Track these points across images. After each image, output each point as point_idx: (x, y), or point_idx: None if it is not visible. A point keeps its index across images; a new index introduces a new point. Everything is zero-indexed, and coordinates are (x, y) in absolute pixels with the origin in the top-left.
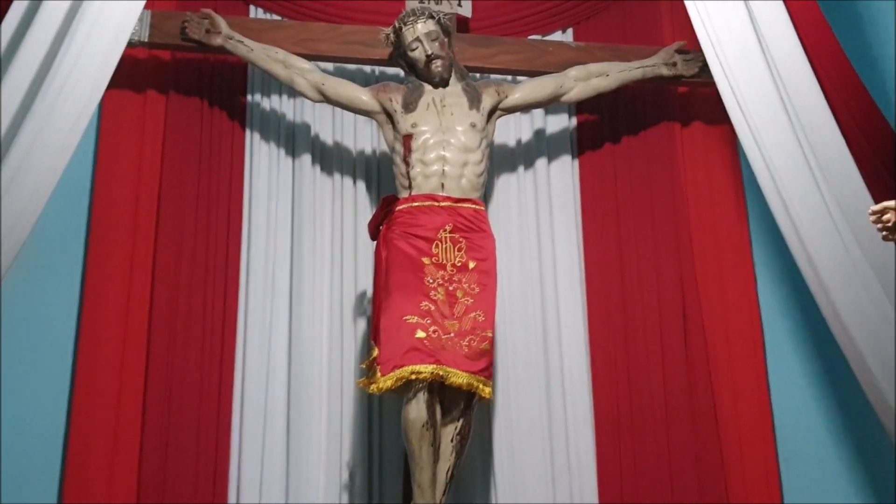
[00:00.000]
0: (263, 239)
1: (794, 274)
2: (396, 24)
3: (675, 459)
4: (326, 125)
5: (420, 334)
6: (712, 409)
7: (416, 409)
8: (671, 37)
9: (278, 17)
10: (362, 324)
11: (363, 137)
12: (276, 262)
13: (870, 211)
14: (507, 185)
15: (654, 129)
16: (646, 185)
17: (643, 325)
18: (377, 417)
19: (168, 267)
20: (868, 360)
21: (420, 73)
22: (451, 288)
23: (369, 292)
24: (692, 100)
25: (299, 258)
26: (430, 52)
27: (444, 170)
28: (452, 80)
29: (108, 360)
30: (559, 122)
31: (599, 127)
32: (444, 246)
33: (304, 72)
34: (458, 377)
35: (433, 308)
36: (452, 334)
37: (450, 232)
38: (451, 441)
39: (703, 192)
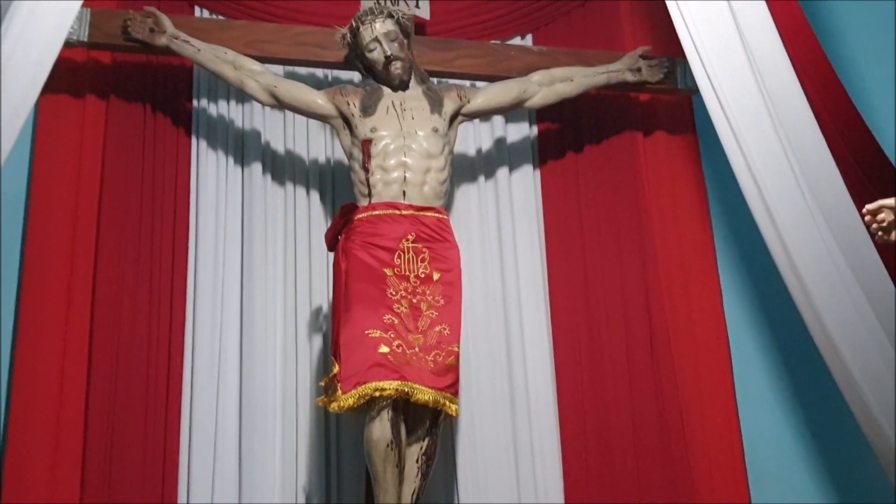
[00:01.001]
0: (212, 252)
1: (760, 284)
2: (353, 23)
3: (644, 480)
4: (278, 132)
5: (383, 349)
6: (680, 426)
7: (380, 429)
8: (632, 43)
9: (224, 18)
10: (318, 341)
11: (317, 145)
12: (225, 276)
13: (865, 210)
14: (467, 196)
15: (617, 137)
16: (609, 196)
17: (609, 340)
18: (335, 439)
19: (110, 282)
20: (852, 370)
21: (378, 76)
22: (414, 300)
23: (325, 308)
24: (655, 109)
25: (250, 272)
26: (389, 53)
27: (405, 176)
28: (412, 83)
29: (45, 385)
30: (520, 131)
31: (561, 136)
32: (406, 256)
33: (254, 74)
34: (424, 394)
35: (396, 321)
36: (417, 349)
37: (412, 242)
38: (417, 462)
39: (666, 203)
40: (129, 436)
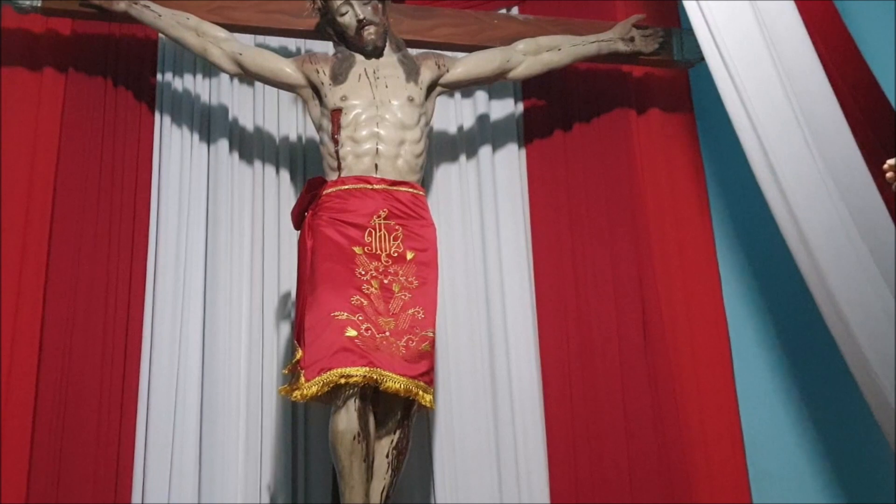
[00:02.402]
0: (174, 233)
1: (760, 270)
2: None
3: (638, 479)
4: (246, 107)
5: (350, 332)
6: (677, 420)
7: (346, 419)
8: (624, 15)
9: None
10: (286, 328)
11: (288, 121)
12: (188, 260)
13: (886, 165)
14: (448, 176)
15: (608, 115)
16: (600, 177)
17: (599, 328)
18: (302, 433)
19: (64, 264)
20: (864, 349)
21: (350, 43)
22: (386, 281)
23: (294, 294)
24: (649, 84)
25: (214, 255)
26: (361, 17)
27: (377, 149)
28: (387, 50)
29: None
30: (504, 108)
31: (548, 113)
32: (377, 234)
33: (219, 41)
34: (395, 382)
35: (366, 303)
36: (388, 333)
37: (384, 219)
38: (387, 456)
39: (662, 185)
40: (80, 429)
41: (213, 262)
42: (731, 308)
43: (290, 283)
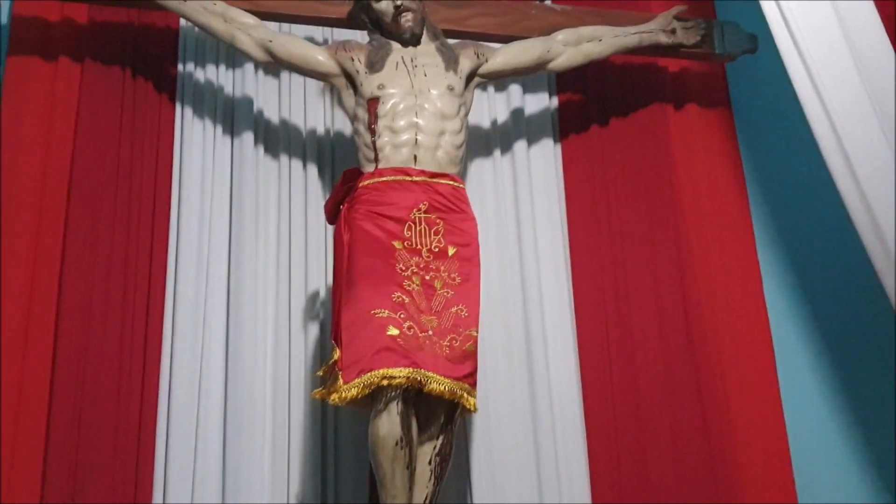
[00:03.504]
0: (196, 230)
1: (800, 266)
2: None
3: (682, 484)
4: (272, 99)
5: (393, 331)
6: (724, 420)
7: (388, 424)
8: (660, 6)
9: None
10: (314, 329)
11: (315, 114)
12: (210, 258)
13: None
14: (482, 171)
15: (645, 110)
16: (637, 173)
17: (640, 326)
18: (332, 438)
19: (80, 262)
20: None
21: (386, 30)
22: (427, 277)
23: (322, 293)
24: (686, 80)
25: (239, 253)
26: (399, 3)
27: (416, 139)
28: (424, 38)
29: (4, 371)
30: (539, 102)
31: (584, 108)
32: (417, 228)
33: (247, 27)
34: (439, 384)
35: (407, 300)
36: (430, 332)
37: (424, 212)
38: (430, 463)
39: (700, 181)
40: (98, 433)
41: (237, 261)
42: (773, 306)
43: (319, 282)
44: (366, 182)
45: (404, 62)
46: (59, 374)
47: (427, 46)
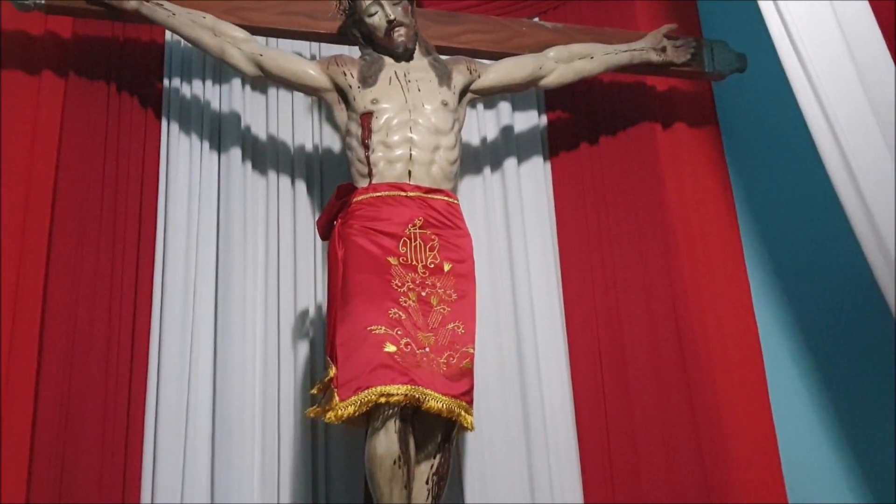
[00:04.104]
0: (183, 247)
1: (789, 281)
2: None
3: (676, 496)
4: (260, 114)
5: (390, 348)
6: (716, 437)
7: (386, 442)
8: (647, 27)
9: None
10: (303, 348)
11: (303, 129)
12: (198, 275)
13: None
14: (472, 188)
15: (633, 129)
16: (627, 191)
17: (631, 342)
18: (323, 458)
19: (63, 282)
20: None
21: (379, 45)
22: (423, 294)
23: (312, 311)
24: (674, 98)
25: (226, 271)
26: (392, 17)
27: (411, 154)
28: (417, 53)
29: None
30: (528, 119)
31: (572, 125)
32: (413, 244)
33: (237, 41)
34: (438, 401)
35: (404, 317)
36: (428, 349)
37: (420, 228)
38: (427, 483)
39: (689, 198)
40: (84, 457)
41: (225, 279)
42: (762, 320)
43: (308, 300)
44: (360, 197)
45: (398, 77)
46: (41, 402)
47: (420, 61)
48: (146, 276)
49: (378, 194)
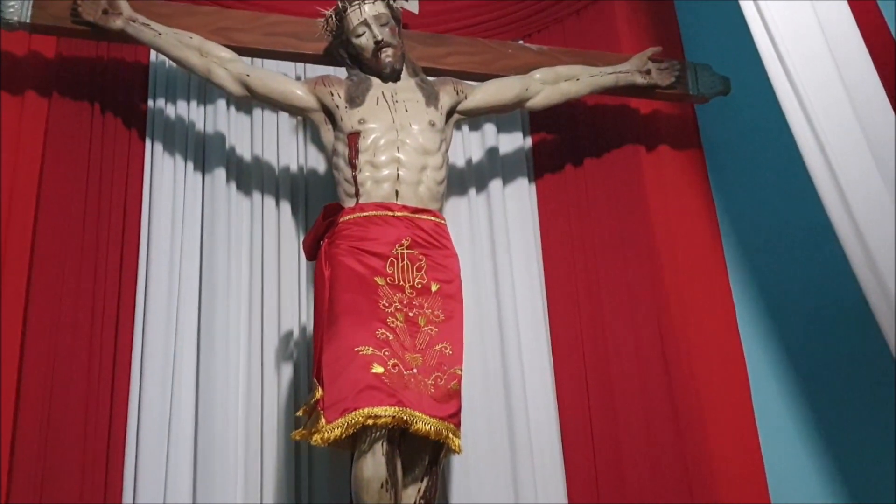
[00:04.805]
0: (166, 269)
1: (773, 301)
2: (339, 5)
3: None
4: (244, 135)
5: (377, 369)
6: (703, 458)
7: (373, 465)
8: (630, 51)
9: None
10: (287, 371)
11: (288, 150)
12: (181, 298)
13: None
14: (457, 210)
15: (617, 151)
16: (612, 213)
17: (617, 363)
18: (307, 483)
19: (45, 305)
20: None
21: (366, 66)
22: (411, 314)
23: (296, 333)
24: (657, 122)
25: (210, 292)
26: (379, 38)
27: (398, 174)
28: (404, 74)
29: None
30: (513, 141)
31: (557, 147)
32: (400, 264)
33: (224, 61)
34: (425, 423)
35: (391, 337)
36: (415, 370)
37: (407, 248)
38: None
39: (674, 221)
40: (62, 488)
41: (209, 301)
42: (746, 335)
43: (292, 323)
44: (347, 217)
45: (385, 97)
46: (20, 428)
47: (407, 82)
48: (128, 298)
49: (365, 214)
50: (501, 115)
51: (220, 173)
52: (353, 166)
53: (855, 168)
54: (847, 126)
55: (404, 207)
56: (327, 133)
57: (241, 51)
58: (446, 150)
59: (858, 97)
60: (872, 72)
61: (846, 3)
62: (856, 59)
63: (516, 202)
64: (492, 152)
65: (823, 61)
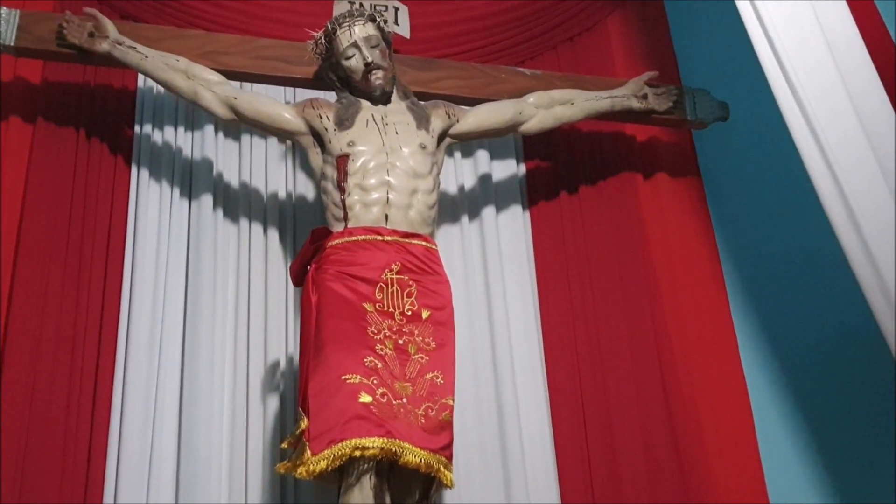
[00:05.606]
0: (150, 296)
1: (773, 328)
2: (329, 27)
3: None
4: (232, 162)
5: (365, 398)
6: (703, 488)
7: (361, 499)
8: (625, 76)
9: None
10: (273, 402)
11: (276, 177)
12: (164, 327)
13: None
14: (450, 237)
15: (614, 179)
16: (608, 241)
17: (616, 398)
18: None
19: (25, 333)
20: None
21: (356, 88)
22: (401, 342)
23: (283, 363)
24: (653, 148)
25: (195, 321)
26: (369, 60)
27: (388, 198)
28: (394, 97)
29: None
30: (506, 169)
31: (551, 174)
32: (389, 290)
33: (211, 84)
34: (415, 455)
35: (380, 365)
36: (405, 400)
37: (397, 273)
38: None
39: (673, 249)
40: None
41: (193, 329)
42: (749, 365)
43: (279, 352)
44: (335, 242)
45: (375, 120)
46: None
47: (397, 105)
48: (111, 324)
49: (354, 238)
50: (494, 140)
51: (207, 200)
52: (342, 189)
53: (859, 177)
54: (851, 134)
55: (394, 232)
56: (315, 157)
57: (230, 75)
58: (437, 174)
59: (863, 106)
60: (876, 80)
61: (847, 9)
62: (860, 68)
63: (510, 230)
64: (485, 179)
65: (827, 70)
